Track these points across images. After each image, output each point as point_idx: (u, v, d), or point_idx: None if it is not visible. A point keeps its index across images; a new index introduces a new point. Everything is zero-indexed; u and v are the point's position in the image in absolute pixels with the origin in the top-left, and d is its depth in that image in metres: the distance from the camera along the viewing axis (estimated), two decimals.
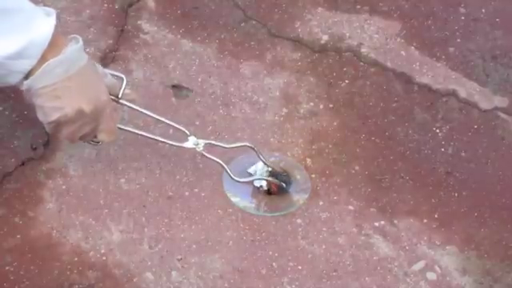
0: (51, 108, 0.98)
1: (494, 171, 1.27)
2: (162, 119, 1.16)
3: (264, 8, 1.49)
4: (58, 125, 1.00)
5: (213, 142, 1.17)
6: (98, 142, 1.09)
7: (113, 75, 1.09)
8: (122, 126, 1.11)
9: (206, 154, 1.16)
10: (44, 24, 0.95)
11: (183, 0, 1.48)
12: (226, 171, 1.16)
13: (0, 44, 0.92)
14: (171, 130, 1.20)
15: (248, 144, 1.18)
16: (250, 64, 1.39)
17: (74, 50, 0.98)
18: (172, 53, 1.39)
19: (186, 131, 1.16)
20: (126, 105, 1.12)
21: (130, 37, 1.41)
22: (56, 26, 0.95)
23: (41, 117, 1.00)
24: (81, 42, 0.99)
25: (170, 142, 1.15)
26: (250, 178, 1.19)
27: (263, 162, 1.19)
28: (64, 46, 0.97)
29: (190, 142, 1.16)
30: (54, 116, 0.99)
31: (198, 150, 1.16)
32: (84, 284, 1.08)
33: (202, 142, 1.16)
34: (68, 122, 1.00)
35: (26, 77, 0.96)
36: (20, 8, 0.94)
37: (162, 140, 1.15)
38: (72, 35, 1.00)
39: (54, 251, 1.11)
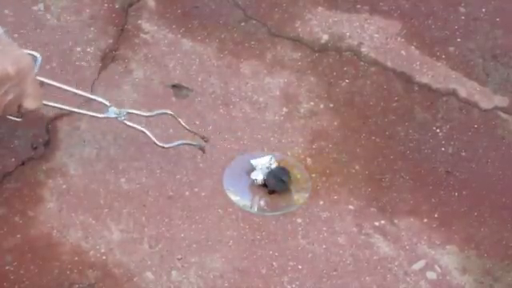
0: None
1: (494, 171, 1.27)
2: (80, 92, 1.14)
3: (264, 7, 1.49)
4: None
5: (133, 111, 1.16)
6: (21, 117, 1.05)
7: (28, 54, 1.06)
8: (46, 102, 1.08)
9: (128, 123, 1.14)
10: None
11: (183, 0, 1.48)
12: (151, 137, 1.15)
13: None
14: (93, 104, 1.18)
15: (168, 111, 1.17)
16: (250, 63, 1.39)
17: None
18: (172, 52, 1.39)
19: (106, 102, 1.14)
20: (42, 80, 1.08)
21: (130, 36, 1.41)
22: None
23: None
24: None
25: (93, 114, 1.14)
26: (176, 143, 1.17)
27: (186, 128, 1.17)
28: None
29: (112, 112, 1.14)
30: None
31: (119, 119, 1.14)
32: (84, 283, 1.08)
33: (123, 111, 1.14)
34: None
35: None
36: None
37: (84, 112, 1.14)
38: None
39: (54, 251, 1.11)
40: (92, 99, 1.16)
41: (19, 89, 0.99)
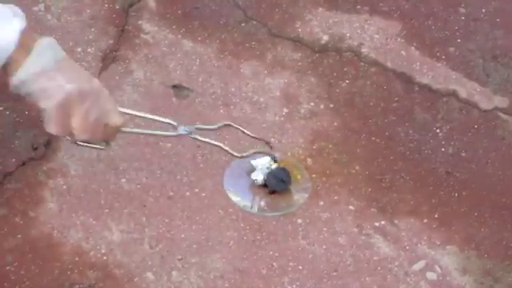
0: (52, 88, 0.93)
1: (494, 171, 1.27)
2: (147, 115, 1.12)
3: (264, 8, 1.49)
4: (64, 107, 0.94)
5: (200, 126, 1.17)
6: (106, 145, 1.05)
7: None
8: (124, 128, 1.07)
9: (201, 138, 1.15)
10: (9, 27, 0.90)
11: (184, 0, 1.48)
12: (227, 150, 1.17)
13: None
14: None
15: (228, 122, 1.20)
16: (250, 64, 1.39)
17: (50, 40, 0.94)
18: (172, 53, 1.39)
19: (174, 122, 1.13)
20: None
21: (130, 37, 1.41)
22: (24, 28, 0.90)
23: (44, 103, 0.93)
24: (53, 40, 0.95)
25: (167, 133, 1.14)
26: (250, 152, 1.20)
27: (251, 136, 1.20)
28: (33, 43, 0.92)
29: (182, 130, 1.14)
30: (58, 95, 0.93)
31: (191, 136, 1.14)
32: (84, 284, 1.08)
33: (191, 127, 1.14)
34: (73, 102, 0.94)
35: (7, 71, 0.92)
36: None
37: (159, 133, 1.14)
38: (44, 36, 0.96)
39: (54, 251, 1.11)
40: (158, 120, 1.14)
41: (99, 106, 0.97)
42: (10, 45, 0.90)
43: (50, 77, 0.93)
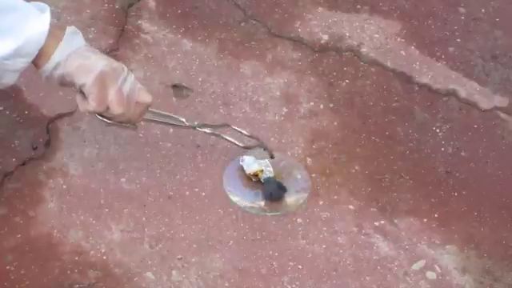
0: (89, 64, 1.00)
1: (494, 171, 1.27)
2: (164, 112, 1.18)
3: (264, 8, 1.49)
4: (102, 80, 1.00)
5: (202, 124, 1.21)
6: (135, 127, 1.11)
7: None
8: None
9: (210, 131, 1.20)
10: (39, 21, 0.96)
11: (183, 0, 1.48)
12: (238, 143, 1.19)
13: None
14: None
15: (227, 123, 1.22)
16: (250, 64, 1.39)
17: (74, 28, 1.02)
18: (172, 52, 1.39)
19: (182, 119, 1.18)
20: None
21: (130, 36, 1.41)
22: (51, 22, 0.97)
23: (83, 78, 1.00)
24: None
25: (182, 123, 1.18)
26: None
27: (248, 136, 1.21)
28: (62, 33, 1.00)
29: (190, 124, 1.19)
30: (96, 70, 0.99)
31: (201, 129, 1.19)
32: (84, 283, 1.08)
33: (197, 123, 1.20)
34: (108, 77, 1.00)
35: (38, 63, 0.99)
36: (14, 6, 0.95)
37: (178, 123, 1.19)
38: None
39: (54, 251, 1.11)
40: (171, 116, 1.20)
41: (131, 83, 1.04)
42: (42, 37, 0.97)
43: (85, 56, 1.01)
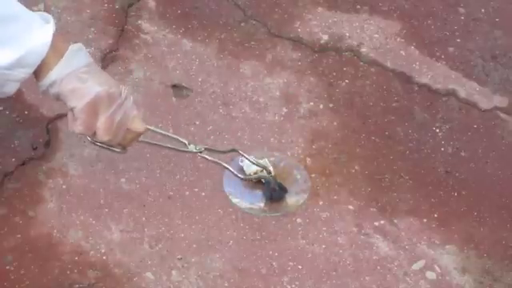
0: (83, 88, 0.97)
1: (494, 171, 1.27)
2: (162, 132, 1.15)
3: (264, 8, 1.49)
4: (93, 106, 0.98)
5: (210, 148, 1.19)
6: (124, 150, 1.08)
7: None
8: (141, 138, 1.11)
9: (210, 158, 1.17)
10: (42, 32, 0.94)
11: (183, 0, 1.49)
12: (233, 172, 1.17)
13: None
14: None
15: (236, 148, 1.19)
16: (250, 64, 1.39)
17: (80, 45, 0.99)
18: (172, 52, 1.39)
19: (185, 141, 1.16)
20: None
21: (130, 37, 1.41)
22: (54, 33, 0.95)
23: (74, 102, 0.97)
24: (82, 45, 1.00)
25: (181, 149, 1.16)
26: (253, 176, 1.20)
27: (254, 163, 1.19)
28: (65, 48, 0.97)
29: (193, 148, 1.17)
30: (89, 96, 0.96)
31: (199, 155, 1.17)
32: (84, 283, 1.08)
33: (201, 147, 1.17)
34: (101, 103, 0.98)
35: (38, 76, 0.97)
36: (17, 16, 0.93)
37: (175, 148, 1.16)
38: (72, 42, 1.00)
39: (54, 251, 1.11)
40: (172, 137, 1.17)
41: (125, 111, 1.01)
42: (44, 48, 0.95)
43: (82, 78, 0.98)
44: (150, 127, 1.09)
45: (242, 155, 1.19)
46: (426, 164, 1.27)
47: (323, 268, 1.13)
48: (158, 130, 1.14)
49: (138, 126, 1.04)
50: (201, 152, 1.16)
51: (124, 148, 1.08)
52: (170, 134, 1.16)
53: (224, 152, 1.20)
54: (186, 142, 1.16)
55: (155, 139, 1.16)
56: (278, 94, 1.35)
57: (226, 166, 1.17)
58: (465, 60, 1.43)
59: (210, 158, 1.17)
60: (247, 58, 1.40)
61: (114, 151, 1.08)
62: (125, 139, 1.05)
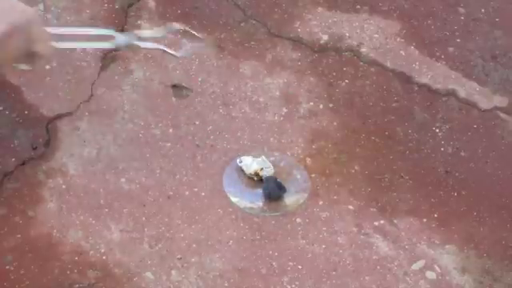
0: None
1: (494, 171, 1.27)
2: (83, 29, 1.06)
3: (264, 8, 1.49)
4: None
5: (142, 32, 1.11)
6: (30, 66, 0.98)
7: None
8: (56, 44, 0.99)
9: (143, 45, 1.10)
10: None
11: (183, 0, 1.48)
12: (169, 52, 1.12)
13: None
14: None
15: (175, 25, 1.13)
16: (249, 64, 1.39)
17: None
18: None
19: (110, 32, 1.06)
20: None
21: None
22: None
23: None
24: None
25: (103, 45, 1.05)
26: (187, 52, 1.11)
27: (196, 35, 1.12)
28: None
29: (121, 40, 1.06)
30: None
31: (132, 43, 1.07)
32: (84, 283, 1.08)
33: (131, 34, 1.08)
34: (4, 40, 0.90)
35: None
36: None
37: (96, 45, 1.07)
38: None
39: (54, 251, 1.11)
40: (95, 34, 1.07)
41: (28, 39, 0.94)
42: None
43: None
44: (64, 33, 0.99)
45: (186, 29, 1.12)
46: (426, 164, 1.27)
47: (323, 268, 1.13)
48: (78, 31, 1.03)
49: (42, 49, 0.95)
50: (132, 42, 1.06)
51: (32, 65, 0.98)
52: (93, 31, 1.04)
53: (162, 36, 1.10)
54: (112, 32, 1.05)
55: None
56: (277, 93, 1.35)
57: (159, 46, 1.09)
58: (465, 60, 1.43)
59: (141, 45, 1.08)
60: (247, 57, 1.40)
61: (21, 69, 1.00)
62: (33, 61, 0.96)
